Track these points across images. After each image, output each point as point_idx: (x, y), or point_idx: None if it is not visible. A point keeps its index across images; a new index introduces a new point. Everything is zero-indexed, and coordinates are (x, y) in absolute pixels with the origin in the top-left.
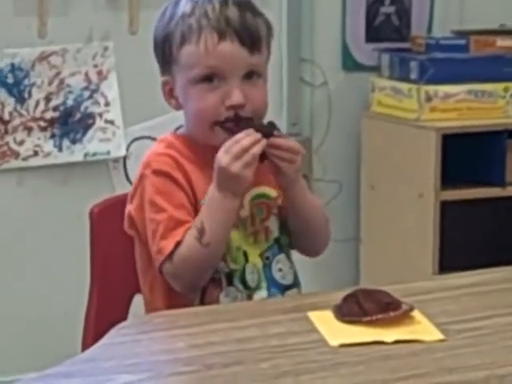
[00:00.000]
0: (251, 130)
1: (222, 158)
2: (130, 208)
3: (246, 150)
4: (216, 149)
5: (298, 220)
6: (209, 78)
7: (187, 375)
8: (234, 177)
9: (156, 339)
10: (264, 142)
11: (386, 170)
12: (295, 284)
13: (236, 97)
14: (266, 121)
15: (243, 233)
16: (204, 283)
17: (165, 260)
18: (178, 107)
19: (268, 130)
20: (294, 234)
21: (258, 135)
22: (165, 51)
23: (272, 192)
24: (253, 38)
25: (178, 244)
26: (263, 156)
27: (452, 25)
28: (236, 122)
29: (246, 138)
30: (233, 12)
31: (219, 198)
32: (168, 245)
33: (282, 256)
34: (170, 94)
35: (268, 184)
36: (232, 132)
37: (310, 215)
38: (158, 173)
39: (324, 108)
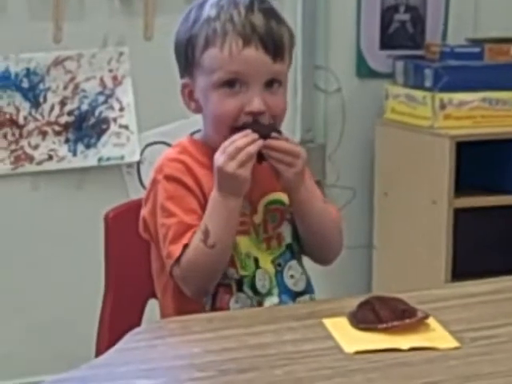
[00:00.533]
0: (248, 131)
1: (218, 158)
2: (144, 212)
3: (240, 150)
4: None
5: (304, 227)
6: (231, 83)
7: (202, 381)
8: (230, 176)
9: (171, 344)
10: (260, 142)
11: (400, 176)
12: (307, 291)
13: (256, 104)
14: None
15: (255, 239)
16: (213, 287)
17: (174, 264)
18: (198, 110)
19: (266, 131)
20: (302, 240)
21: (255, 135)
22: (187, 53)
23: (285, 198)
24: (277, 45)
25: (185, 247)
26: (262, 157)
27: (466, 33)
28: (254, 128)
29: (241, 138)
30: (258, 19)
31: (220, 198)
32: (177, 249)
33: (293, 262)
34: (189, 96)
35: (281, 190)
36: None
37: (318, 223)
38: (169, 178)
39: (338, 115)
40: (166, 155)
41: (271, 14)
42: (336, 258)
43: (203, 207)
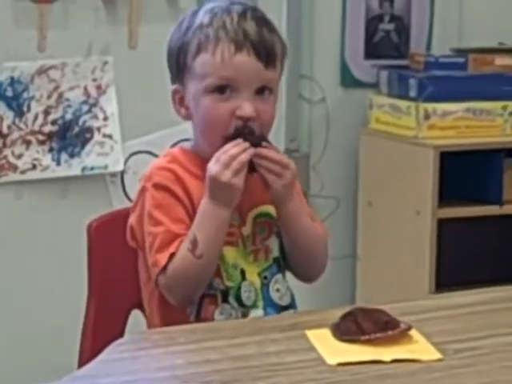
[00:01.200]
0: (240, 140)
1: (212, 167)
2: (131, 219)
3: (234, 158)
4: None
5: (289, 241)
6: (222, 89)
7: None
8: (225, 185)
9: (154, 356)
10: (251, 150)
11: (384, 186)
12: (291, 306)
13: (247, 108)
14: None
15: (242, 251)
16: (198, 297)
17: (159, 273)
18: (188, 116)
19: (257, 141)
20: (287, 254)
21: (246, 144)
22: (179, 60)
23: (274, 211)
24: (269, 52)
25: (171, 256)
26: (253, 168)
27: (451, 42)
28: (245, 137)
29: (233, 147)
30: (251, 26)
31: (211, 208)
32: (163, 258)
33: (280, 276)
34: (180, 102)
35: (270, 203)
36: None
37: (304, 239)
38: (157, 186)
39: (322, 124)
40: (155, 164)
41: (264, 22)
42: (319, 276)
43: (191, 217)
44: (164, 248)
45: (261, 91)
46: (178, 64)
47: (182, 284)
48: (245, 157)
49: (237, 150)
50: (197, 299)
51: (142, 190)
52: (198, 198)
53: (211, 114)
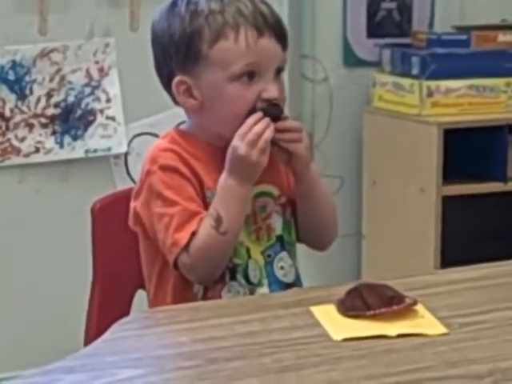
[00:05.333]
0: (260, 114)
1: (239, 146)
2: (135, 204)
3: (260, 136)
4: (220, 148)
5: (308, 208)
6: (249, 74)
7: (190, 370)
8: (253, 164)
9: (158, 334)
10: (272, 126)
11: (388, 165)
12: (296, 283)
13: (274, 91)
14: None
15: (246, 229)
16: (219, 274)
17: (180, 252)
18: (198, 107)
19: (276, 112)
20: (304, 225)
21: (267, 119)
22: (189, 49)
23: (274, 190)
24: (284, 33)
25: (193, 234)
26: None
27: (453, 20)
28: (265, 110)
29: (258, 123)
30: (263, 8)
31: (234, 185)
32: (183, 236)
33: (284, 254)
34: (186, 93)
35: (270, 182)
36: None
37: (322, 205)
38: (165, 168)
39: (325, 104)
40: (157, 146)
41: (266, 2)
42: (332, 242)
43: (199, 195)
44: (182, 227)
45: (278, 72)
46: (187, 54)
47: (206, 262)
48: (269, 134)
49: (261, 127)
50: (218, 276)
51: (147, 174)
52: (205, 177)
53: (238, 100)
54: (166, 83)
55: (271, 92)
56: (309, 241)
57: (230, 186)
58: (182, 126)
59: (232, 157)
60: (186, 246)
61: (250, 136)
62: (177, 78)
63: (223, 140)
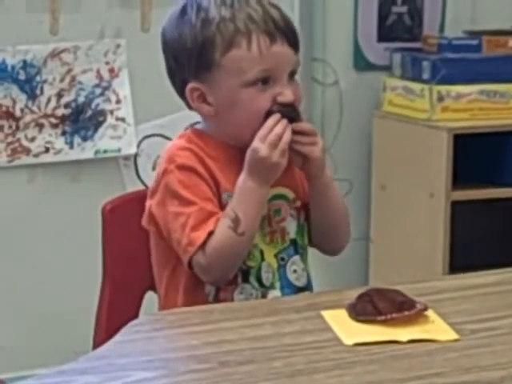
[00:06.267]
0: (278, 115)
1: (260, 148)
2: (150, 203)
3: (280, 137)
4: (236, 148)
5: (323, 212)
6: (263, 80)
7: (201, 373)
8: (274, 166)
9: (169, 336)
10: (290, 127)
11: (397, 169)
12: (308, 287)
13: (290, 95)
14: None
15: (260, 232)
16: (233, 275)
17: (196, 251)
18: (213, 113)
19: (293, 114)
20: (317, 229)
21: (285, 121)
22: (201, 57)
23: (289, 193)
24: (296, 36)
25: (209, 234)
26: None
27: (464, 25)
28: (282, 111)
29: (277, 124)
30: (274, 12)
31: (253, 186)
32: (200, 236)
33: (297, 258)
34: (200, 99)
35: (286, 185)
36: None
37: (337, 208)
38: (182, 167)
39: (335, 107)
40: (174, 145)
41: (276, 5)
42: (344, 246)
43: (215, 196)
44: (199, 226)
45: (291, 75)
46: (199, 61)
47: (222, 262)
48: (288, 136)
49: (280, 129)
50: (232, 277)
51: (164, 173)
52: (222, 179)
53: (254, 107)
54: (180, 89)
55: (287, 96)
56: (321, 245)
57: (249, 187)
58: (198, 126)
59: (252, 158)
60: (202, 246)
61: (271, 137)
62: (190, 85)
63: (240, 141)
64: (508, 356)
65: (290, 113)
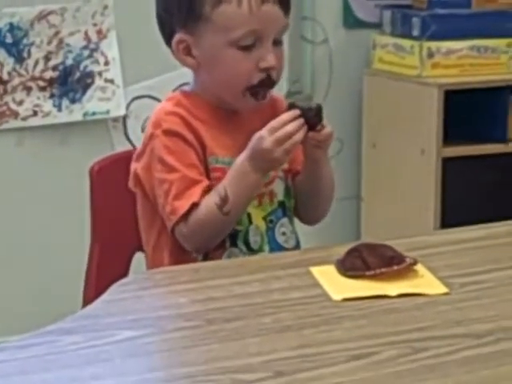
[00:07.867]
0: (297, 112)
1: (266, 139)
2: (136, 166)
3: (289, 137)
4: (224, 110)
5: (313, 188)
6: (248, 45)
7: (189, 330)
8: (273, 161)
9: (157, 295)
10: (305, 129)
11: (388, 127)
12: (297, 248)
13: (272, 60)
14: (313, 103)
15: None
16: (214, 246)
17: (179, 220)
18: (196, 66)
19: (313, 120)
20: (302, 200)
21: (302, 121)
22: (191, 9)
23: None
24: None
25: (193, 205)
26: None
27: None
28: (267, 87)
29: (291, 122)
30: None
31: (250, 172)
32: (183, 205)
33: (285, 220)
34: (185, 51)
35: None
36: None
37: (326, 184)
38: (168, 132)
39: (325, 65)
40: (161, 109)
41: None
42: (320, 220)
43: (201, 162)
44: (182, 195)
45: (277, 42)
46: (189, 12)
47: (203, 236)
48: (298, 137)
49: (293, 128)
50: (213, 247)
51: (151, 137)
52: (206, 140)
53: (236, 68)
54: (168, 39)
55: (269, 62)
56: (302, 215)
57: (245, 171)
58: (187, 87)
59: (255, 145)
60: (185, 216)
61: (280, 134)
62: (177, 36)
63: (221, 101)
64: (496, 309)
65: (312, 118)
